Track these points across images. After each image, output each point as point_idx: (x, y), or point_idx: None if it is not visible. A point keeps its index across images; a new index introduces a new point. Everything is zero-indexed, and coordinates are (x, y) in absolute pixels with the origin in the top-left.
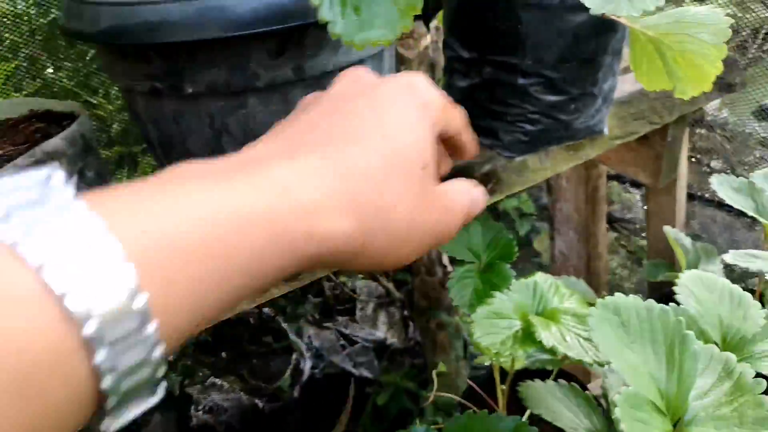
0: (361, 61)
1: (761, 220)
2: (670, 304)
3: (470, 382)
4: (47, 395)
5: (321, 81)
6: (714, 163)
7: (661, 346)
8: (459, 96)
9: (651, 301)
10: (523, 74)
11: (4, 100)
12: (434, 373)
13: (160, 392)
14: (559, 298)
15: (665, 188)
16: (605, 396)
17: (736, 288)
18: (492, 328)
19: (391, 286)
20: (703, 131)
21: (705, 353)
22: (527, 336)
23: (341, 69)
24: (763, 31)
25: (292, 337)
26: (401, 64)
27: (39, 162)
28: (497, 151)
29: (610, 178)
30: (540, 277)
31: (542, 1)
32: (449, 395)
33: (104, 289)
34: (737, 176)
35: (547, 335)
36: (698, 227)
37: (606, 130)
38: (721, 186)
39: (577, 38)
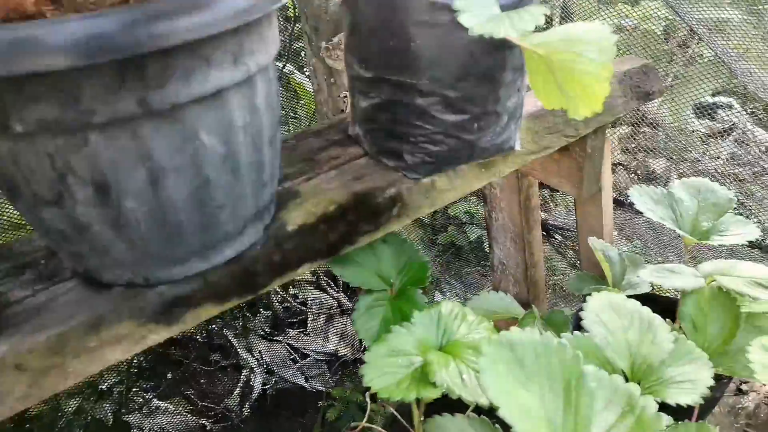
0: (219, 92)
1: (679, 232)
2: (575, 333)
3: (394, 411)
4: None
5: (174, 114)
6: (658, 162)
7: (558, 383)
8: (362, 116)
9: (548, 336)
10: (421, 94)
11: None
12: (368, 395)
13: None
14: (466, 327)
15: (591, 198)
16: None
17: (646, 311)
18: (388, 367)
19: (341, 296)
20: (647, 129)
21: (608, 387)
22: (426, 375)
23: (198, 101)
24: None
25: (242, 353)
26: (330, 76)
27: None
28: (403, 172)
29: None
30: (445, 306)
31: (433, 17)
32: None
33: None
34: (679, 174)
35: (442, 375)
36: (633, 233)
37: (518, 146)
38: (641, 198)
39: (472, 55)
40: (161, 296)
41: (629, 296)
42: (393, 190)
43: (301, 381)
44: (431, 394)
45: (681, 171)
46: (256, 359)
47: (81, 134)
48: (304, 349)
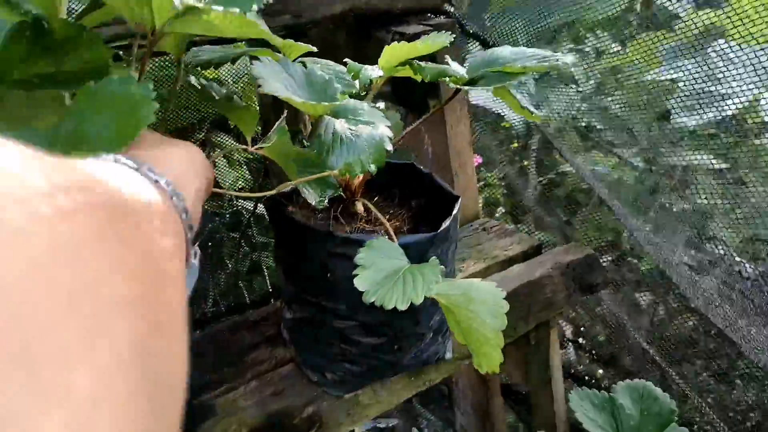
0: None
1: None
2: None
3: None
4: (176, 227)
5: None
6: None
7: None
8: (288, 325)
9: None
10: (339, 317)
11: None
12: None
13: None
14: None
15: (542, 386)
16: None
17: None
18: None
19: None
20: (632, 259)
21: None
22: None
23: None
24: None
25: None
26: None
27: None
28: (324, 389)
29: None
30: None
31: (348, 252)
32: None
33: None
34: (666, 309)
35: None
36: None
37: (449, 355)
38: (581, 404)
39: None
40: None
41: None
42: (311, 409)
43: None
44: None
45: (668, 305)
46: None
47: None
48: None
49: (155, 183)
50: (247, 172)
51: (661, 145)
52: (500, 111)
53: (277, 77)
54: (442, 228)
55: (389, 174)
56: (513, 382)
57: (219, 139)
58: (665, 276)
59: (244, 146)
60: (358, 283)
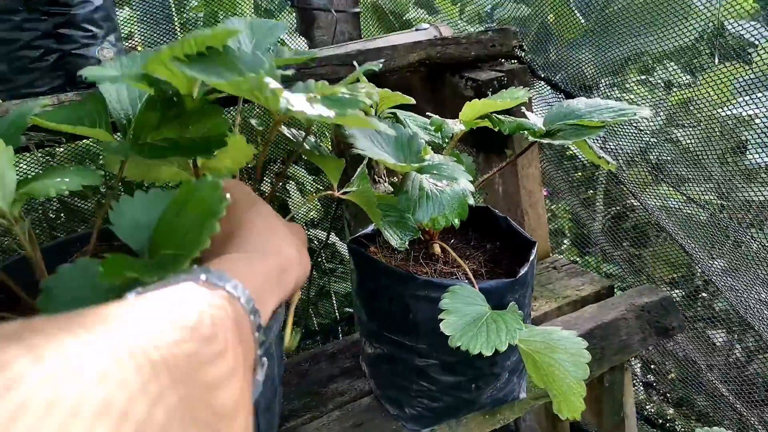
0: None
1: None
2: None
3: None
4: (247, 335)
5: None
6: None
7: None
8: (368, 360)
9: None
10: (419, 355)
11: None
12: None
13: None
14: None
15: (616, 426)
16: None
17: None
18: None
19: None
20: (707, 296)
21: None
22: None
23: None
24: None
25: None
26: None
27: None
28: (402, 422)
29: None
30: None
31: (428, 294)
32: None
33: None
34: (743, 348)
35: None
36: None
37: (523, 395)
38: None
39: None
40: None
41: None
42: None
43: None
44: None
45: (745, 344)
46: None
47: None
48: None
49: (233, 299)
50: (318, 203)
51: (735, 180)
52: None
53: (366, 134)
54: (520, 274)
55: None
56: (584, 422)
57: (293, 169)
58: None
59: (331, 191)
60: (444, 328)
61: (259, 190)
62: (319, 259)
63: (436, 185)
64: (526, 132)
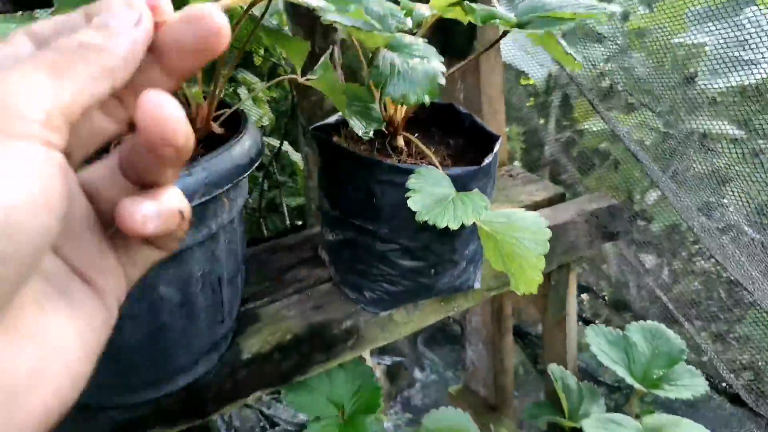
0: (178, 253)
1: (630, 381)
2: None
3: None
4: None
5: None
6: (649, 258)
7: None
8: (328, 247)
9: None
10: (381, 240)
11: None
12: None
13: None
14: None
15: (557, 324)
16: None
17: None
18: None
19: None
20: (642, 223)
21: None
22: None
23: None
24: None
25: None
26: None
27: None
28: (362, 306)
29: None
30: None
31: (394, 179)
32: None
33: None
34: (670, 271)
35: None
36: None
37: (477, 285)
38: (596, 339)
39: None
40: (113, 420)
41: None
42: (350, 323)
43: None
44: None
45: (673, 267)
46: (225, 422)
47: None
48: (276, 417)
49: None
50: (270, 112)
51: (682, 110)
52: (522, 68)
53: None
54: (485, 162)
55: (429, 113)
56: (524, 322)
57: (244, 75)
58: (672, 239)
59: (294, 75)
60: (412, 204)
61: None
62: (271, 170)
63: (407, 63)
64: (498, 21)
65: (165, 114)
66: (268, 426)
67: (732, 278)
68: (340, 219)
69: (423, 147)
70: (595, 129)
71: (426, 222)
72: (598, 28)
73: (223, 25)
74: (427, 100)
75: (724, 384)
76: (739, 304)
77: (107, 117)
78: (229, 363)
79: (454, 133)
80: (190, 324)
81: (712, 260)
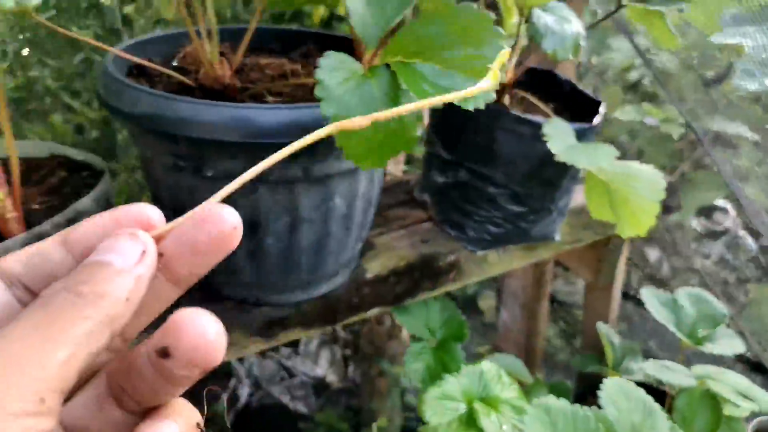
0: (354, 170)
1: (678, 334)
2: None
3: None
4: None
5: (323, 181)
6: (653, 252)
7: None
8: (435, 188)
9: (576, 406)
10: (494, 184)
11: (27, 141)
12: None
13: None
14: (501, 386)
15: (603, 287)
16: None
17: (649, 399)
18: (440, 408)
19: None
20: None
21: None
22: (470, 420)
23: (341, 174)
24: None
25: (234, 362)
26: None
27: (71, 220)
28: (463, 244)
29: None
30: (486, 365)
31: (517, 129)
32: None
33: None
34: (670, 267)
35: (488, 422)
36: (628, 325)
37: (558, 237)
38: (650, 299)
39: (542, 163)
40: (264, 316)
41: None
42: (453, 258)
43: (286, 399)
44: None
45: (672, 263)
46: (246, 369)
47: (254, 186)
48: (294, 368)
49: None
50: None
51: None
52: None
53: None
54: (596, 121)
55: (529, 77)
56: (557, 291)
57: None
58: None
59: None
60: (552, 147)
61: None
62: None
63: (559, 24)
64: None
65: (209, 340)
66: (287, 376)
67: None
68: (455, 163)
69: (539, 103)
70: (623, 119)
71: (536, 170)
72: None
73: (237, 224)
74: (571, 57)
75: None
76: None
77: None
78: (356, 280)
79: (551, 97)
80: (346, 236)
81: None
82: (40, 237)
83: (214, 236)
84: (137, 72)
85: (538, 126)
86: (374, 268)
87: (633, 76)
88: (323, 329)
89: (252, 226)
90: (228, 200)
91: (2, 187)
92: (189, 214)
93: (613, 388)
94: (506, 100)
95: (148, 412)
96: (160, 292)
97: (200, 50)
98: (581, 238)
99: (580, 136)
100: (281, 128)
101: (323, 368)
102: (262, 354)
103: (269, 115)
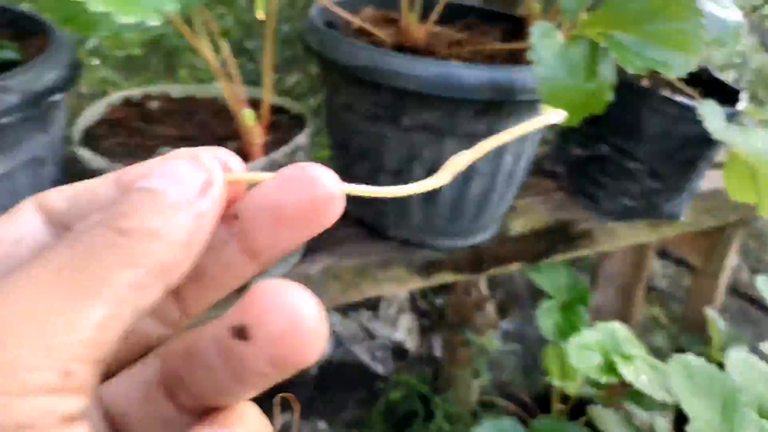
0: None
1: None
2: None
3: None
4: None
5: None
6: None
7: (717, 399)
8: (571, 160)
9: (714, 366)
10: (636, 160)
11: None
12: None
13: None
14: (631, 344)
15: (711, 273)
16: (651, 428)
17: None
18: (582, 356)
19: (418, 294)
20: None
21: (748, 416)
22: (610, 368)
23: None
24: None
25: None
26: None
27: (294, 152)
28: (594, 213)
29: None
30: (616, 325)
31: (664, 108)
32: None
33: None
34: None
35: (627, 371)
36: (727, 317)
37: (682, 217)
38: (764, 287)
39: (684, 144)
40: (424, 257)
41: None
42: (585, 225)
43: (367, 359)
44: (614, 380)
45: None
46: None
47: (443, 137)
48: (375, 331)
49: None
50: None
51: None
52: None
53: None
54: (740, 107)
55: None
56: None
57: None
58: None
59: None
60: (709, 126)
61: None
62: None
63: (719, 10)
64: None
65: (305, 324)
66: (367, 337)
67: None
68: (597, 137)
69: (686, 87)
70: None
71: (677, 150)
72: None
73: (335, 192)
74: (731, 45)
75: None
76: None
77: (151, 318)
78: (500, 236)
79: (688, 83)
80: (506, 191)
81: None
82: (274, 165)
83: (304, 202)
84: (327, 26)
85: (685, 108)
86: (517, 226)
87: (730, 76)
88: (470, 276)
89: (431, 173)
90: (415, 150)
91: (255, 118)
92: (282, 169)
93: (738, 359)
94: (646, 81)
95: (206, 413)
96: (233, 263)
97: (406, 13)
98: (702, 221)
99: (729, 119)
100: (480, 86)
101: (402, 333)
102: (344, 313)
103: (471, 72)
